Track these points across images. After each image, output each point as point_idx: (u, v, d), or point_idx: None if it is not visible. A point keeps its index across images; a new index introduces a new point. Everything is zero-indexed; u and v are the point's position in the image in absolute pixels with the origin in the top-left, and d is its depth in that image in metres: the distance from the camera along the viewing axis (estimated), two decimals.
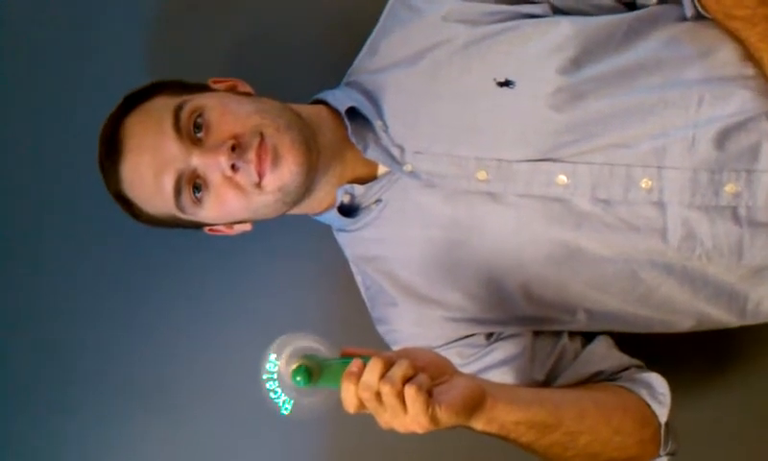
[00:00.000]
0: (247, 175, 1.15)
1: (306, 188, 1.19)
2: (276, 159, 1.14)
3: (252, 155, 1.14)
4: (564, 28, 1.17)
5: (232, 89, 1.24)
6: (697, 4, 1.17)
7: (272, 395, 0.99)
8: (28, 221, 1.43)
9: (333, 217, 1.26)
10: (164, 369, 1.43)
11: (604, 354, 1.24)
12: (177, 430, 1.44)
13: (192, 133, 1.15)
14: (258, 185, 1.15)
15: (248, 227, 1.27)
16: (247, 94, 1.24)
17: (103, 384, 1.43)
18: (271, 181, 1.15)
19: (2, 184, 1.42)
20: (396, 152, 1.20)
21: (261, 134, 1.14)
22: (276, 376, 0.99)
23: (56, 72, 1.42)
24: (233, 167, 1.13)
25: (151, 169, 1.16)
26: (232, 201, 1.16)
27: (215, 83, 1.24)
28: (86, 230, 1.42)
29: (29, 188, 1.42)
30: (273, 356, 1.00)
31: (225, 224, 1.25)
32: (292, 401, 0.99)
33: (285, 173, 1.15)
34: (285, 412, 1.00)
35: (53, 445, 1.43)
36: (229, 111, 1.16)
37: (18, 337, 1.42)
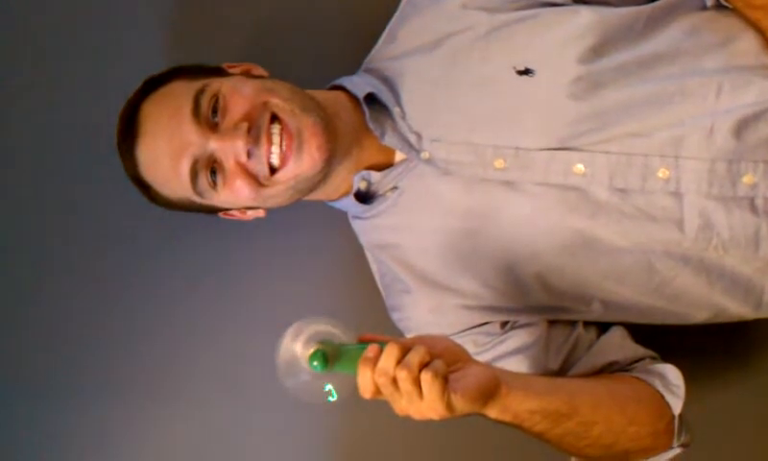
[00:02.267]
0: (259, 163, 1.15)
1: (324, 176, 1.19)
2: (301, 144, 1.14)
3: (263, 138, 1.14)
4: (585, 17, 1.17)
5: (247, 73, 1.24)
6: None
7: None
8: (40, 208, 1.42)
9: (349, 204, 1.26)
10: (178, 357, 1.42)
11: (618, 345, 1.24)
12: (192, 418, 1.43)
13: (210, 117, 1.16)
14: (270, 176, 1.16)
15: (261, 213, 1.28)
16: (260, 77, 1.24)
17: (115, 373, 1.42)
18: (289, 170, 1.15)
19: (13, 178, 1.42)
20: (413, 139, 1.20)
21: (273, 114, 1.15)
22: (293, 365, 0.99)
23: (73, 59, 1.42)
24: (248, 153, 1.14)
25: (167, 153, 1.17)
26: (242, 188, 1.17)
27: (229, 67, 1.25)
28: (100, 217, 1.42)
29: (42, 177, 1.42)
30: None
31: (238, 209, 1.26)
32: (331, 389, 0.99)
33: (306, 160, 1.15)
34: (331, 399, 1.00)
35: (62, 439, 1.43)
36: (239, 93, 1.16)
37: (26, 327, 1.42)
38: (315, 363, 0.97)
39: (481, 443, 1.39)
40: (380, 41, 1.29)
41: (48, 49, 1.41)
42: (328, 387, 0.99)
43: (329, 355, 0.98)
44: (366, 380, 0.96)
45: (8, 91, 1.41)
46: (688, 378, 1.18)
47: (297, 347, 0.99)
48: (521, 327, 1.23)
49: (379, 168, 1.23)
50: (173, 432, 1.44)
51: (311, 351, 0.98)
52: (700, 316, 1.24)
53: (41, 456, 1.43)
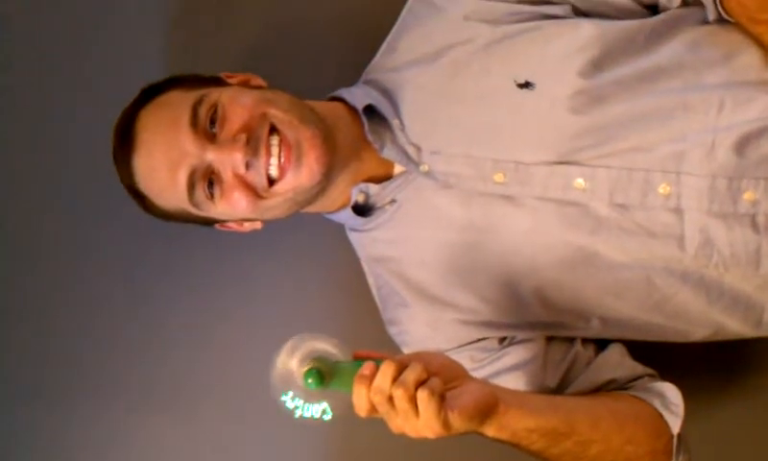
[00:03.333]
0: (257, 175, 1.14)
1: (322, 188, 1.18)
2: (299, 156, 1.14)
3: (262, 150, 1.13)
4: (586, 30, 1.16)
5: (245, 83, 1.23)
6: (720, 8, 1.16)
7: (284, 398, 0.98)
8: (39, 214, 1.42)
9: (347, 216, 1.25)
10: (174, 369, 1.42)
11: (617, 362, 1.23)
12: (186, 432, 1.43)
13: (208, 128, 1.15)
14: (269, 188, 1.15)
15: (258, 225, 1.27)
16: (259, 88, 1.23)
17: (109, 384, 1.42)
18: (287, 182, 1.15)
19: (12, 183, 1.41)
20: (412, 151, 1.19)
21: (272, 126, 1.14)
22: (288, 382, 0.98)
23: (72, 66, 1.41)
24: (247, 165, 1.13)
25: (164, 163, 1.16)
26: (240, 200, 1.16)
27: (228, 77, 1.24)
28: (98, 225, 1.41)
29: (41, 184, 1.42)
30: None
31: (235, 221, 1.25)
32: (303, 404, 0.98)
33: (304, 173, 1.15)
34: (326, 417, 0.99)
35: (63, 444, 1.43)
36: (238, 103, 1.15)
37: (24, 333, 1.42)
38: (310, 381, 0.97)
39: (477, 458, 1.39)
40: (380, 52, 1.29)
41: (47, 58, 1.41)
42: (323, 405, 0.98)
43: (325, 373, 0.97)
44: (361, 398, 0.96)
45: (8, 96, 1.41)
46: (687, 397, 1.18)
47: (292, 364, 0.99)
48: (519, 343, 1.22)
49: (378, 180, 1.22)
50: (167, 444, 1.43)
51: (306, 368, 0.97)
52: (699, 334, 1.23)
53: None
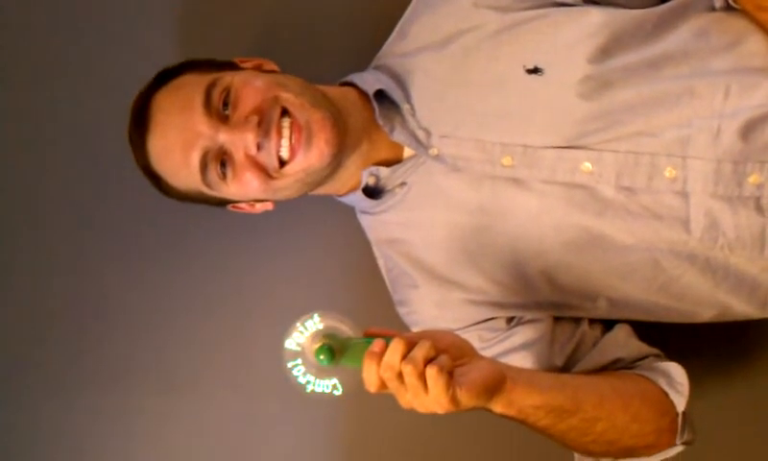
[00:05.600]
0: (268, 156, 1.16)
1: (332, 170, 1.20)
2: (309, 137, 1.15)
3: (273, 131, 1.15)
4: (595, 17, 1.17)
5: (258, 68, 1.25)
6: None
7: (295, 373, 1.00)
8: (46, 202, 1.44)
9: (357, 199, 1.26)
10: (185, 350, 1.43)
11: (623, 342, 1.24)
12: (198, 411, 1.44)
13: (221, 110, 1.17)
14: (279, 169, 1.17)
15: (269, 206, 1.29)
16: (272, 72, 1.25)
17: (122, 369, 1.44)
18: (298, 162, 1.16)
19: (21, 172, 1.43)
20: (422, 135, 1.20)
21: (284, 109, 1.16)
22: (299, 358, 1.00)
23: (86, 54, 1.42)
24: (258, 146, 1.15)
25: (178, 144, 1.17)
26: (251, 181, 1.17)
27: (241, 62, 1.25)
28: (107, 212, 1.43)
29: (50, 170, 1.43)
30: (297, 338, 1.00)
31: (247, 202, 1.27)
32: (314, 380, 1.00)
33: (315, 153, 1.16)
34: (337, 392, 1.00)
35: (73, 433, 1.45)
36: (251, 86, 1.17)
37: (31, 322, 1.43)
38: (321, 357, 0.98)
39: (485, 437, 1.40)
40: (391, 38, 1.30)
41: (62, 44, 1.42)
42: (334, 381, 1.00)
43: (336, 349, 0.98)
44: (371, 374, 0.97)
45: (21, 87, 1.42)
46: (692, 376, 1.19)
47: (304, 341, 1.00)
48: (527, 323, 1.24)
49: (388, 164, 1.24)
50: (179, 423, 1.45)
51: (318, 345, 0.99)
52: (705, 315, 1.24)
53: (48, 453, 1.45)
